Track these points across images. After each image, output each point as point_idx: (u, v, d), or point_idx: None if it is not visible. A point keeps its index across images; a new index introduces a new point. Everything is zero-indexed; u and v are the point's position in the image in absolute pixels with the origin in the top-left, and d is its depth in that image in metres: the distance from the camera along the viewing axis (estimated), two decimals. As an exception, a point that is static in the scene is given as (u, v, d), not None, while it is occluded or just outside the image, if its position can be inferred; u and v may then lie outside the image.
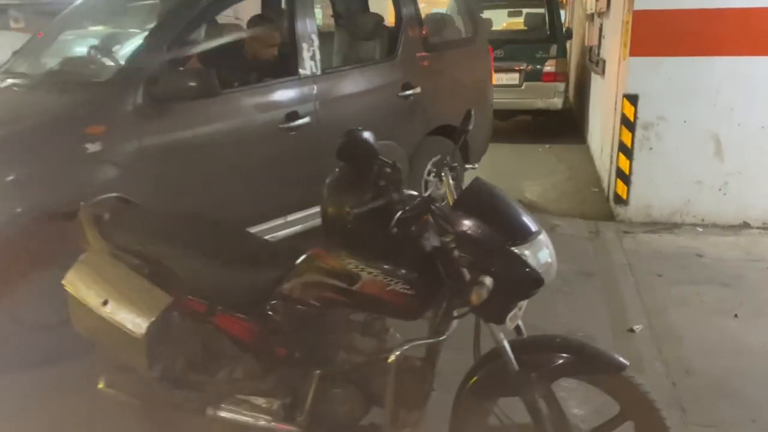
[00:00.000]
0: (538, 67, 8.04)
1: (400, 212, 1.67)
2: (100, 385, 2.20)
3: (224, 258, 2.05)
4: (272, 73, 3.79)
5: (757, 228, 4.76)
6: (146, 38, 3.35)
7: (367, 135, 1.74)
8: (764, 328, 3.32)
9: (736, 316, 3.46)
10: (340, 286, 1.86)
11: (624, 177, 4.96)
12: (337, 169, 1.87)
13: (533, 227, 1.76)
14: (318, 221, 1.96)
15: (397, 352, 1.83)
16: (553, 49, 8.07)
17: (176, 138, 3.27)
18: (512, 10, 10.15)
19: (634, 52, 4.69)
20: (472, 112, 2.08)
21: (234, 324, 2.04)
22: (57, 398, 2.76)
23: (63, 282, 2.04)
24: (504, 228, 1.74)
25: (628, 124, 4.84)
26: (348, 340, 2.05)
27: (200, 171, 3.37)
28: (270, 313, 1.99)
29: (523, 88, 8.14)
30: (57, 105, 3.10)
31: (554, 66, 8.04)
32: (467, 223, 1.73)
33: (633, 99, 4.77)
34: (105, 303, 1.98)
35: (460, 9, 5.48)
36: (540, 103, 8.13)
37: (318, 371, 1.98)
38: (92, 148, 2.95)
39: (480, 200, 1.79)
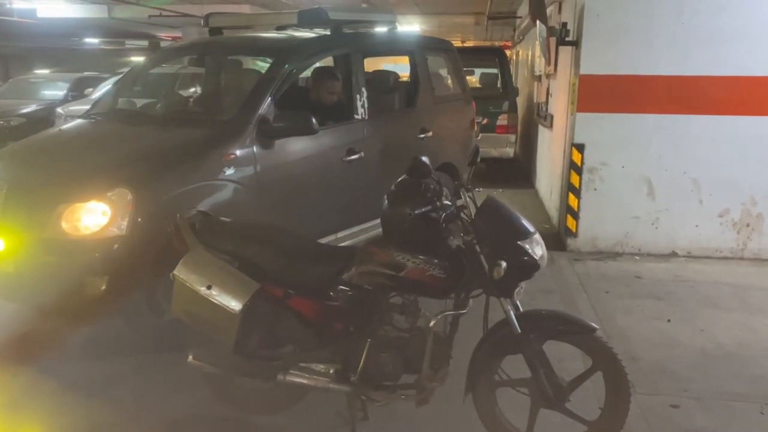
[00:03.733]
0: (492, 120, 8.97)
1: (444, 214, 2.38)
2: (189, 359, 2.76)
3: (293, 255, 2.70)
4: (333, 117, 4.58)
5: (684, 256, 5.65)
6: (254, 89, 4.16)
7: (426, 159, 2.45)
8: (690, 329, 4.12)
9: (669, 320, 4.26)
10: (390, 273, 2.52)
11: (573, 213, 5.80)
12: (393, 186, 2.56)
13: (531, 228, 2.50)
14: (366, 235, 2.63)
15: (438, 317, 2.52)
16: (505, 105, 9.05)
17: (279, 165, 4.07)
18: (467, 69, 11.16)
19: (580, 109, 5.59)
20: (480, 148, 2.82)
21: (304, 305, 2.66)
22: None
23: (174, 273, 2.63)
24: (512, 228, 2.47)
25: (576, 168, 5.71)
26: (390, 317, 2.69)
27: (294, 192, 4.16)
28: (332, 296, 2.63)
29: (479, 138, 9.04)
30: (198, 137, 3.90)
31: (506, 119, 9.00)
32: (486, 225, 2.45)
33: (580, 147, 5.65)
34: (209, 287, 2.58)
35: (449, 69, 6.52)
36: (494, 152, 9.03)
37: (369, 340, 2.62)
38: (228, 171, 3.75)
39: (494, 210, 2.52)
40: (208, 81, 4.91)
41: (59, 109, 11.38)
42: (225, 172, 3.73)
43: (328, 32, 4.90)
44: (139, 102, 5.24)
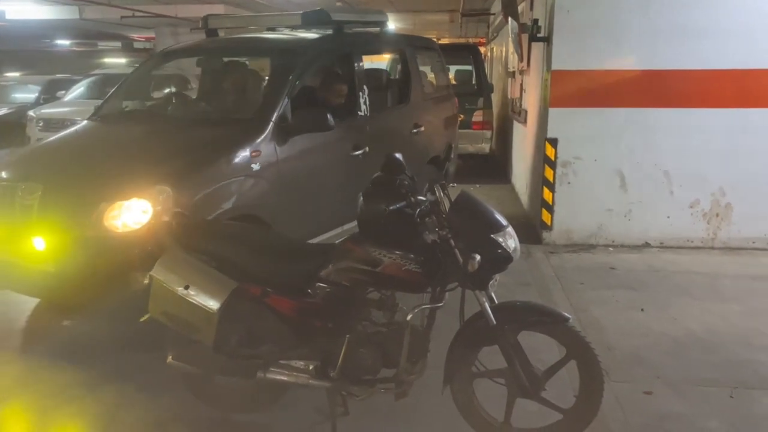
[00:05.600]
0: (468, 117, 9.05)
1: (419, 209, 2.42)
2: (169, 359, 2.78)
3: (270, 254, 2.72)
4: (340, 114, 4.64)
5: (656, 247, 5.77)
6: (272, 88, 4.40)
7: (399, 156, 2.49)
8: (663, 318, 4.22)
9: (642, 310, 4.35)
10: (367, 269, 2.56)
11: (548, 207, 5.89)
12: (368, 183, 2.60)
13: (504, 222, 2.55)
14: None
15: (415, 311, 2.56)
16: (480, 101, 9.14)
17: (296, 161, 4.22)
18: (443, 66, 11.24)
19: (553, 104, 5.68)
20: (453, 145, 2.87)
21: (282, 303, 2.68)
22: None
23: (151, 274, 2.63)
24: (485, 222, 2.52)
25: (550, 163, 5.80)
26: (368, 313, 2.73)
27: (308, 186, 4.28)
28: (310, 293, 2.66)
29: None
30: (226, 135, 4.02)
31: (482, 116, 9.09)
32: (460, 220, 2.50)
33: (553, 142, 5.74)
34: (187, 287, 2.59)
35: (434, 67, 6.78)
36: (470, 148, 9.12)
37: (348, 336, 2.65)
38: (255, 167, 3.89)
39: (467, 204, 2.57)
40: (225, 81, 5.03)
41: (31, 113, 11.21)
42: (252, 168, 3.87)
43: (314, 33, 5.08)
44: (143, 103, 5.31)
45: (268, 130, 4.01)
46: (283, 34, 5.31)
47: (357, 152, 4.69)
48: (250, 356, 2.76)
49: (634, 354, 3.71)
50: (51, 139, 4.59)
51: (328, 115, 4.10)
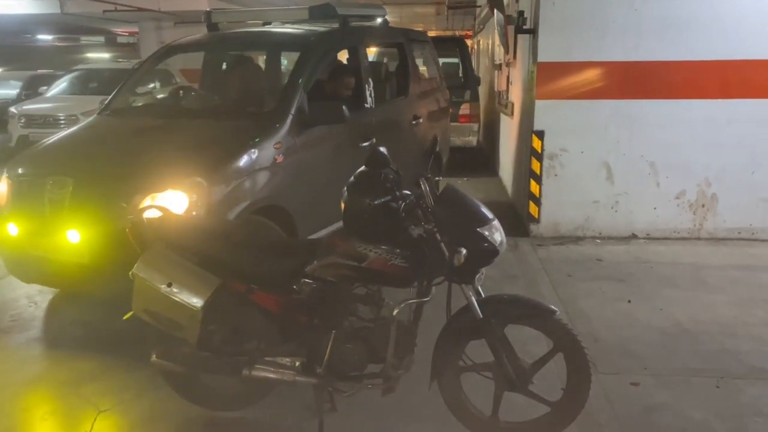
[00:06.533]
0: (455, 109, 9.03)
1: (404, 203, 2.39)
2: (153, 358, 2.74)
3: (254, 250, 2.68)
4: (349, 107, 4.65)
5: (643, 238, 5.79)
6: (289, 81, 4.44)
7: (383, 150, 2.46)
8: (650, 309, 4.23)
9: (629, 301, 4.37)
10: (352, 264, 2.53)
11: (535, 199, 5.89)
12: (352, 177, 2.57)
13: (490, 215, 2.53)
14: None
15: (402, 305, 2.54)
16: (467, 94, 9.11)
17: (313, 151, 4.34)
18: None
19: (539, 96, 5.67)
20: (438, 138, 2.85)
21: (267, 299, 2.65)
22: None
23: (132, 272, 2.59)
24: (471, 216, 2.50)
25: (537, 155, 5.79)
26: (354, 308, 2.71)
27: (324, 176, 4.33)
28: (296, 289, 2.63)
29: (440, 127, 9.13)
30: (250, 128, 4.10)
31: (469, 109, 9.07)
32: (446, 214, 2.48)
33: (540, 134, 5.73)
34: (170, 285, 2.56)
35: (427, 60, 6.92)
36: (458, 142, 9.08)
37: (334, 331, 2.63)
38: (279, 159, 4.01)
39: (453, 198, 2.55)
40: (235, 74, 5.11)
41: (12, 109, 11.06)
42: (276, 159, 3.98)
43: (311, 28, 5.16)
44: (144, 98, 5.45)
45: (288, 122, 4.12)
46: (284, 28, 5.40)
47: (365, 143, 4.68)
48: (235, 353, 2.73)
49: (621, 345, 3.72)
50: (65, 133, 4.56)
51: (344, 107, 4.19)
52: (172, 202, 3.42)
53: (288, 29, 5.39)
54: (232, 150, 3.85)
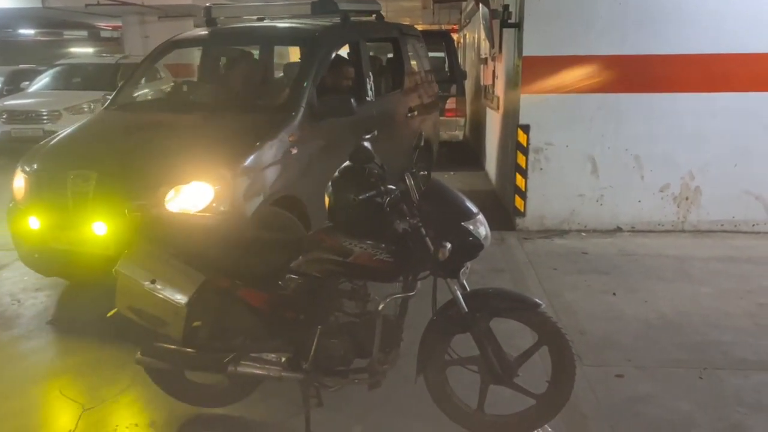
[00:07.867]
0: (441, 104, 9.02)
1: (388, 198, 2.39)
2: (138, 355, 2.72)
3: (239, 246, 2.67)
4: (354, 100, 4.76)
5: (627, 231, 5.83)
6: (298, 77, 4.53)
7: (368, 144, 2.45)
8: (635, 301, 4.27)
9: (614, 294, 4.40)
10: (338, 260, 2.53)
11: (521, 193, 5.91)
12: (337, 172, 2.56)
13: (474, 210, 2.54)
14: None
15: (388, 300, 2.54)
16: (453, 89, 9.11)
17: (322, 143, 4.43)
18: (414, 53, 11.19)
19: (524, 90, 5.68)
20: (425, 132, 2.85)
21: (252, 295, 2.64)
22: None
23: (116, 269, 2.57)
24: (456, 210, 2.50)
25: (522, 149, 5.81)
26: (340, 303, 2.70)
27: (334, 166, 4.29)
28: (281, 285, 2.62)
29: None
30: (267, 121, 4.19)
31: (455, 103, 9.07)
32: (431, 209, 2.48)
33: (525, 128, 5.75)
34: (153, 281, 2.54)
35: (417, 54, 6.91)
36: (444, 136, 9.08)
37: (320, 327, 2.63)
38: (293, 151, 4.11)
39: (437, 192, 2.55)
40: (240, 68, 5.13)
41: (-6, 104, 10.92)
42: (291, 151, 4.07)
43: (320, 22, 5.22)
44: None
45: (300, 115, 4.21)
46: (285, 23, 5.47)
47: (368, 135, 4.78)
48: (220, 350, 2.72)
49: (605, 337, 3.74)
50: (76, 128, 4.55)
51: (352, 100, 4.27)
52: (197, 193, 3.52)
53: (290, 23, 5.43)
54: (253, 142, 3.91)
